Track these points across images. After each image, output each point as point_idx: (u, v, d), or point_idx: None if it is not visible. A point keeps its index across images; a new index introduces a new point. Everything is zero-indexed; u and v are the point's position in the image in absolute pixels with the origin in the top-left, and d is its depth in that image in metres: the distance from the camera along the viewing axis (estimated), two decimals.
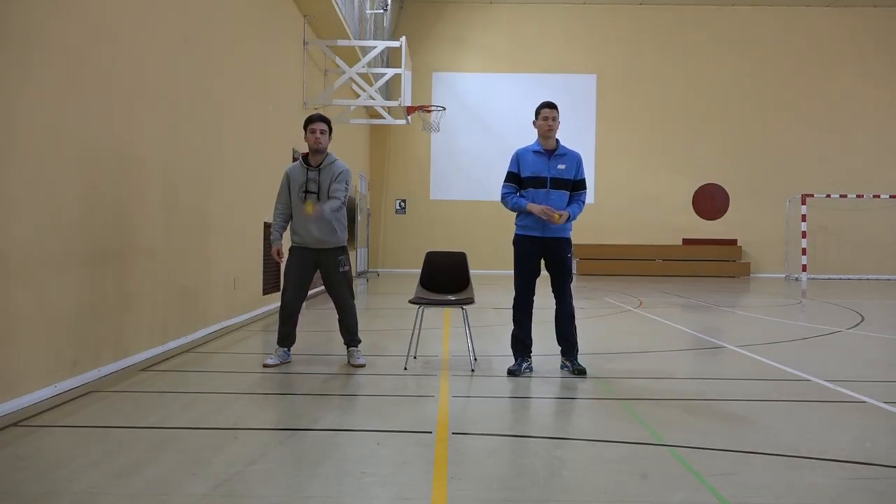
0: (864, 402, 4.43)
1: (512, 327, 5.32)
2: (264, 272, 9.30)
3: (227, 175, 7.68)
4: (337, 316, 5.64)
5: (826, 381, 5.03)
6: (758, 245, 21.38)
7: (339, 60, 12.69)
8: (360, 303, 5.79)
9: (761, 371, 5.54)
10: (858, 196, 20.26)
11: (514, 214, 5.32)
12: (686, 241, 21.37)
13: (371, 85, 13.24)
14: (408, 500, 2.77)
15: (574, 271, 4.73)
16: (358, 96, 13.80)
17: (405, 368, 5.35)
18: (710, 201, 21.53)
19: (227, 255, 7.74)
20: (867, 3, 21.22)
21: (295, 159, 5.68)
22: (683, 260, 21.02)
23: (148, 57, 5.66)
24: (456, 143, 21.25)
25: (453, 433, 3.62)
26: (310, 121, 5.50)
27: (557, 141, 5.28)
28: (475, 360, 5.53)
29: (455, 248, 6.09)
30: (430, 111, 16.41)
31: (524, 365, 5.22)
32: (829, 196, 20.22)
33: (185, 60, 6.47)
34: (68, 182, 4.47)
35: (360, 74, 13.44)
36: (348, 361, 5.51)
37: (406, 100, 13.23)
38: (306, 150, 5.56)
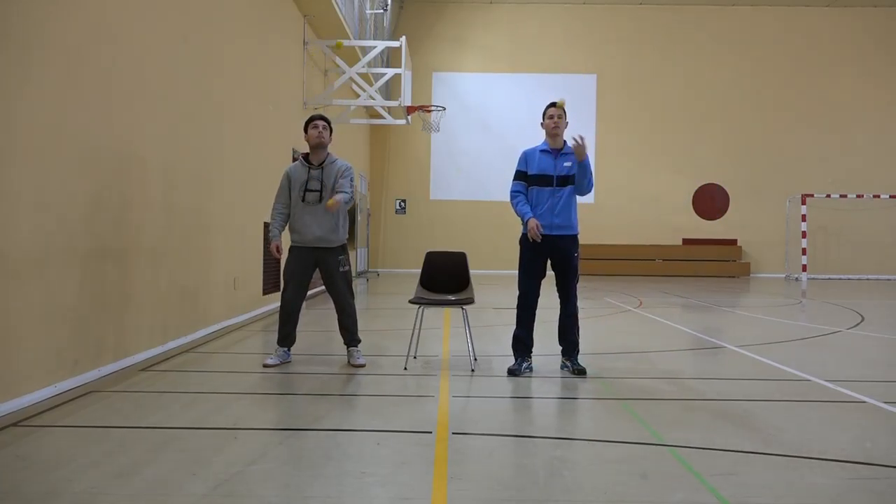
0: (864, 402, 4.43)
1: (513, 327, 5.32)
2: (264, 272, 9.30)
3: (227, 175, 7.68)
4: (337, 316, 5.64)
5: (826, 381, 5.03)
6: (758, 245, 21.38)
7: (339, 60, 12.69)
8: (360, 303, 5.80)
9: (761, 371, 5.54)
10: (858, 196, 20.26)
11: None
12: (686, 241, 21.37)
13: (371, 85, 13.24)
14: (408, 500, 2.77)
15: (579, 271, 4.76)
16: (358, 96, 13.80)
17: (405, 368, 5.35)
18: (710, 201, 21.53)
19: (227, 255, 7.74)
20: (867, 3, 21.22)
21: (295, 159, 5.69)
22: (683, 260, 21.03)
23: (148, 57, 5.66)
24: (456, 143, 21.25)
25: (453, 433, 3.62)
26: (310, 119, 5.58)
27: (565, 141, 5.31)
28: (475, 360, 5.53)
29: (455, 248, 6.09)
30: (430, 111, 16.41)
31: (524, 365, 5.22)
32: (829, 196, 20.22)
33: (185, 60, 6.47)
34: (68, 182, 4.47)
35: (360, 74, 13.44)
36: (348, 361, 5.51)
37: (406, 100, 13.23)
38: (306, 150, 5.58)
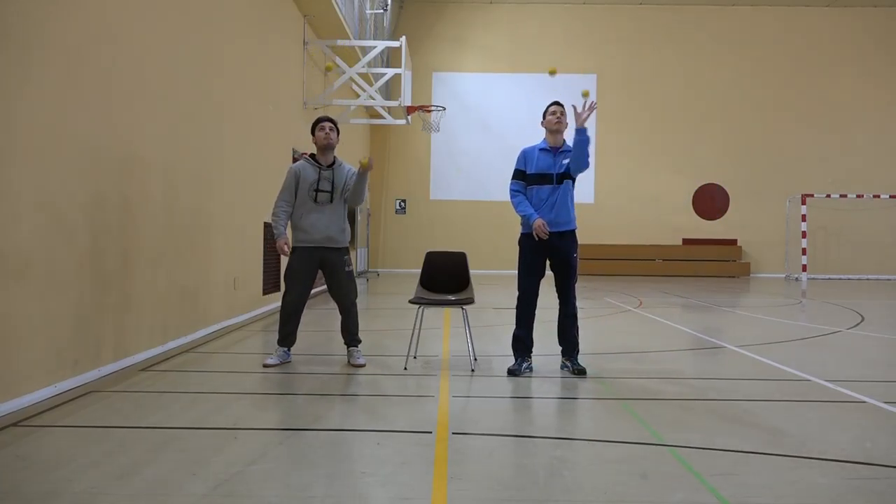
0: (864, 402, 4.43)
1: (513, 327, 5.32)
2: (264, 272, 9.29)
3: (227, 175, 7.68)
4: (339, 316, 5.64)
5: (826, 381, 5.03)
6: (758, 245, 21.38)
7: (339, 60, 12.69)
8: (360, 303, 5.79)
9: (761, 371, 5.54)
10: (858, 196, 20.27)
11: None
12: (686, 241, 21.37)
13: (371, 85, 13.25)
14: (408, 500, 2.77)
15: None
16: (358, 96, 13.80)
17: (405, 368, 5.35)
18: (710, 201, 21.54)
19: (227, 255, 7.74)
20: (867, 3, 21.23)
21: (295, 159, 5.70)
22: (683, 260, 21.03)
23: (148, 57, 5.66)
24: (456, 143, 21.25)
25: (453, 433, 3.62)
26: (317, 121, 5.64)
27: (564, 140, 5.31)
28: (475, 360, 5.53)
29: (455, 248, 6.09)
30: (430, 111, 16.41)
31: (524, 365, 5.22)
32: (829, 196, 20.23)
33: (185, 60, 6.47)
34: (68, 182, 4.47)
35: (360, 74, 13.44)
36: (348, 361, 5.51)
37: (406, 100, 13.23)
38: (305, 150, 5.59)
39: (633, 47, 21.61)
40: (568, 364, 5.27)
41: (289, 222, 5.55)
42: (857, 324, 8.78)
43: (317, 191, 5.43)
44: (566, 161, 5.21)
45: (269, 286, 9.42)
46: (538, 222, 5.10)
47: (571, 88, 22.32)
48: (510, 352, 5.33)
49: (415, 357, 5.66)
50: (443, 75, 21.56)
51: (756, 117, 21.50)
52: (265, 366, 5.35)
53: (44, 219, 4.21)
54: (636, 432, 3.76)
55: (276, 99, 10.00)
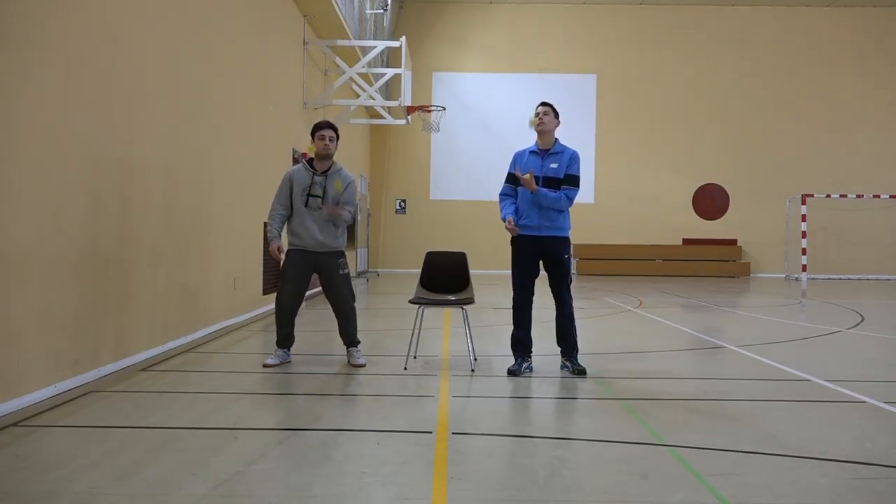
0: (864, 402, 4.44)
1: (512, 328, 5.32)
2: (264, 272, 9.29)
3: (227, 175, 7.68)
4: (337, 321, 5.61)
5: (826, 381, 5.03)
6: (758, 245, 21.38)
7: (339, 60, 12.70)
8: (360, 303, 5.80)
9: (761, 371, 5.54)
10: (858, 196, 20.26)
11: None
12: (686, 241, 21.37)
13: (371, 85, 13.25)
14: (408, 500, 2.77)
15: (574, 272, 4.73)
16: (358, 96, 13.80)
17: (405, 368, 5.35)
18: (710, 201, 21.53)
19: (227, 255, 7.74)
20: (867, 3, 21.22)
21: (295, 160, 5.70)
22: (683, 260, 21.03)
23: (148, 57, 5.66)
24: (456, 143, 21.25)
25: (453, 433, 3.62)
26: (318, 127, 5.54)
27: (557, 140, 5.29)
28: (475, 360, 5.53)
29: (455, 248, 6.09)
30: (430, 111, 16.40)
31: (524, 365, 5.22)
32: (829, 196, 20.22)
33: (185, 60, 6.47)
34: (68, 182, 4.47)
35: (360, 74, 13.43)
36: (348, 361, 5.51)
37: (406, 100, 13.23)
38: (304, 152, 5.57)
39: (633, 47, 21.61)
40: (568, 364, 5.27)
41: (284, 225, 5.55)
42: (857, 324, 8.78)
43: (309, 196, 5.42)
44: (553, 165, 5.18)
45: (269, 286, 9.42)
46: (508, 220, 5.14)
47: (572, 88, 22.37)
48: (510, 352, 5.33)
49: (415, 357, 5.66)
50: (443, 75, 21.56)
51: (756, 117, 21.50)
52: (265, 366, 5.35)
53: (44, 218, 4.22)
54: (636, 432, 3.76)
55: (276, 99, 10.00)
